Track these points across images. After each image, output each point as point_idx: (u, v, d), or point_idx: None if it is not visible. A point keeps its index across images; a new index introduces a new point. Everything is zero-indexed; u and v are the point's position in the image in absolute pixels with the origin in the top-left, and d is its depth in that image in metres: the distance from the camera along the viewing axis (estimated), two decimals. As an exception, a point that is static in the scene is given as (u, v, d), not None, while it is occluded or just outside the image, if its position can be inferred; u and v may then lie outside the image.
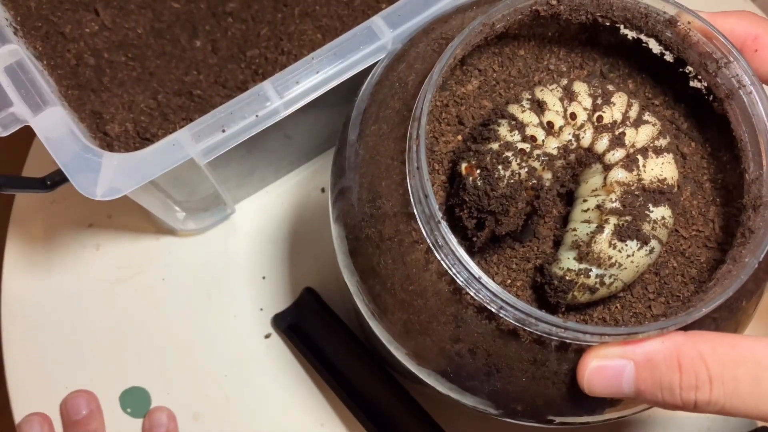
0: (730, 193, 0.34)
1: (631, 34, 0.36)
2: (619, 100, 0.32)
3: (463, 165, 0.31)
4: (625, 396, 0.29)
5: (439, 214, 0.29)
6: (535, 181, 0.30)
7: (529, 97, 0.31)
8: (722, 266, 0.31)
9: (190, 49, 0.50)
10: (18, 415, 0.52)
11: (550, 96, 0.31)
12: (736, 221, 0.33)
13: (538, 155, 0.30)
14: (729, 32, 0.30)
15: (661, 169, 0.31)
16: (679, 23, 0.33)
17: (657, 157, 0.31)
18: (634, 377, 0.28)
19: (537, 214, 0.32)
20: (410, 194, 0.31)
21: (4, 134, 0.40)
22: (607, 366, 0.29)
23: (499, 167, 0.30)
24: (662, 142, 0.32)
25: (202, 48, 0.50)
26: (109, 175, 0.40)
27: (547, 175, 0.31)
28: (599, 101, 0.31)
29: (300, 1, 0.51)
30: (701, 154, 0.35)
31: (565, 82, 0.32)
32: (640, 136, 0.31)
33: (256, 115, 0.42)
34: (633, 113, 0.32)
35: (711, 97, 0.35)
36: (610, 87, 0.32)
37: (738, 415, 0.27)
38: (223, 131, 0.42)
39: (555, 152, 0.30)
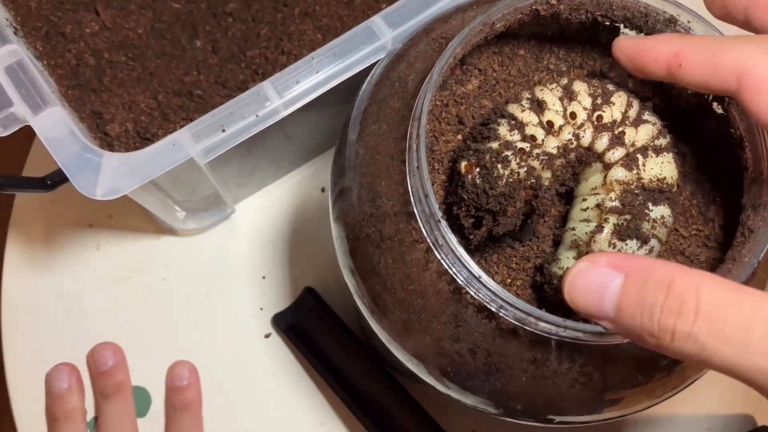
0: (730, 193, 0.34)
1: (631, 34, 0.36)
2: (619, 99, 0.32)
3: (463, 163, 0.31)
4: (602, 315, 0.26)
5: (439, 214, 0.29)
6: (533, 181, 0.30)
7: (529, 96, 0.31)
8: (722, 266, 0.31)
9: (190, 49, 0.50)
10: (18, 415, 0.52)
11: (550, 95, 0.31)
12: (736, 221, 0.33)
13: (538, 154, 0.30)
14: (653, 58, 0.30)
15: (661, 168, 0.31)
16: (678, 22, 0.33)
17: (657, 156, 0.31)
18: (620, 292, 0.25)
19: (536, 213, 0.32)
20: (410, 194, 0.31)
21: (4, 134, 0.40)
22: (594, 272, 0.26)
23: (499, 166, 0.30)
24: (662, 141, 0.32)
25: (202, 48, 0.50)
26: (109, 175, 0.40)
27: (546, 175, 0.31)
28: (599, 101, 0.31)
29: (300, 1, 0.51)
30: (701, 153, 0.35)
31: (565, 81, 0.32)
32: (640, 135, 0.31)
33: (256, 115, 0.42)
34: (633, 113, 0.32)
35: (710, 97, 0.35)
36: (610, 86, 0.32)
37: (716, 363, 0.24)
38: (223, 131, 0.42)
39: (555, 151, 0.30)
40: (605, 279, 0.26)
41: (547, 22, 0.35)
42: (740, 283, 0.25)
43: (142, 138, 0.48)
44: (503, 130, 0.31)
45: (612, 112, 0.31)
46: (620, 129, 0.31)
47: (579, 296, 0.27)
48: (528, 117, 0.31)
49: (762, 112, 0.27)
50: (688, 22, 0.33)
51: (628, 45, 0.31)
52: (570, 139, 0.31)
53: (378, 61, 0.39)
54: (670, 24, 0.33)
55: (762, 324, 0.23)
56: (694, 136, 0.36)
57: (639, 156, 0.31)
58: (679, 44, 0.29)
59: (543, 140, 0.30)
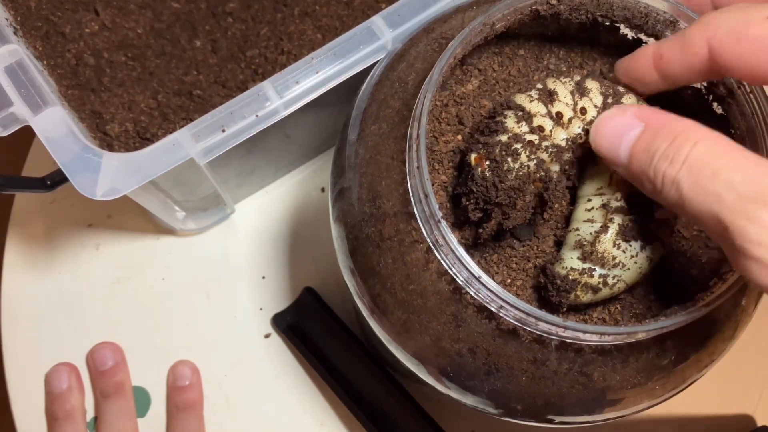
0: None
1: (630, 34, 0.36)
2: (629, 101, 0.32)
3: (473, 155, 0.31)
4: (617, 161, 0.28)
5: (440, 214, 0.29)
6: (543, 173, 0.30)
7: (540, 86, 0.31)
8: (722, 265, 0.31)
9: (190, 49, 0.50)
10: (18, 415, 0.52)
11: (562, 88, 0.31)
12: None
13: (547, 147, 0.30)
14: (641, 64, 0.31)
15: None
16: (679, 23, 0.33)
17: None
18: (635, 140, 0.27)
19: (546, 206, 0.32)
20: (410, 194, 0.31)
21: (4, 134, 0.40)
22: (618, 119, 0.28)
23: (509, 159, 0.30)
24: None
25: (202, 48, 0.50)
26: (109, 175, 0.40)
27: (555, 168, 0.31)
28: (610, 100, 0.31)
29: (300, 1, 0.51)
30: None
31: (578, 78, 0.32)
32: None
33: (256, 115, 0.42)
34: None
35: (711, 97, 0.35)
36: (621, 89, 0.32)
37: (688, 210, 0.25)
38: (223, 131, 0.42)
39: (563, 143, 0.30)
40: (626, 127, 0.28)
41: (547, 22, 0.35)
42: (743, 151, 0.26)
43: (142, 138, 0.48)
44: (510, 122, 0.31)
45: None
46: None
47: (601, 140, 0.29)
48: (536, 107, 0.31)
49: (742, 60, 0.28)
50: (689, 22, 0.33)
51: (620, 65, 0.32)
52: (579, 134, 0.31)
53: (378, 61, 0.39)
54: (670, 25, 0.33)
55: (735, 176, 0.24)
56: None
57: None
58: (655, 46, 0.31)
59: (551, 131, 0.30)
